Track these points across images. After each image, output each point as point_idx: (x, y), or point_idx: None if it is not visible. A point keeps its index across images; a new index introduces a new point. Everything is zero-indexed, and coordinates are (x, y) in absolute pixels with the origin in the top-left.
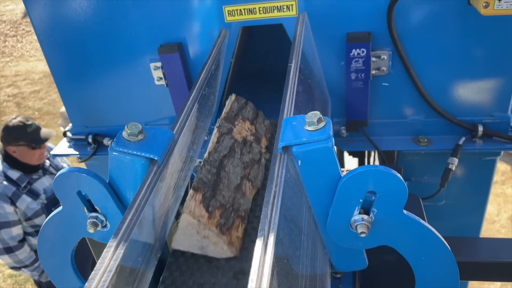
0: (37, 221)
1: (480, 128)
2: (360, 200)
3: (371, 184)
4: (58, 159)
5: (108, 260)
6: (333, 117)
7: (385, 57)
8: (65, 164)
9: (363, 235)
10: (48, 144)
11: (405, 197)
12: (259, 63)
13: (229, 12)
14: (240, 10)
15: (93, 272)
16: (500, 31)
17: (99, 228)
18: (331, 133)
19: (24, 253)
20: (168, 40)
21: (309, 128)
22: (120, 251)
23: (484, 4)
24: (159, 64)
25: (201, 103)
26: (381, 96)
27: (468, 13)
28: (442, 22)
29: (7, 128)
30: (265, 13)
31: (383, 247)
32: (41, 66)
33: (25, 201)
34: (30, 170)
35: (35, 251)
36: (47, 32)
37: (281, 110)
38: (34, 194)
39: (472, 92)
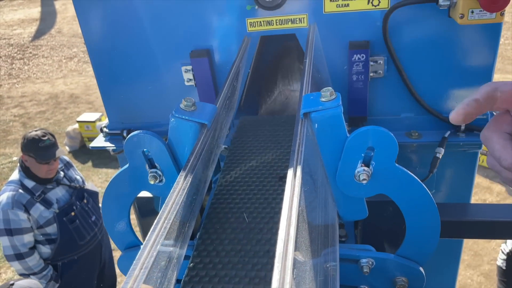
0: (48, 229)
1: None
2: (362, 155)
3: (370, 141)
4: (72, 171)
5: (172, 203)
6: None
7: (381, 62)
8: (78, 177)
9: (364, 181)
10: (64, 157)
11: (396, 151)
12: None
13: (250, 23)
14: (260, 22)
15: (160, 211)
16: (477, 40)
17: (157, 181)
18: (340, 103)
19: (33, 260)
20: (198, 47)
21: (324, 99)
22: (185, 186)
23: (460, 15)
24: (189, 67)
25: (230, 93)
26: (378, 96)
27: (449, 24)
28: (428, 33)
29: (24, 138)
30: (281, 24)
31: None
32: (47, 87)
33: (38, 209)
34: (43, 181)
35: (44, 260)
36: (94, 38)
37: (300, 89)
38: (47, 203)
39: (456, 92)
